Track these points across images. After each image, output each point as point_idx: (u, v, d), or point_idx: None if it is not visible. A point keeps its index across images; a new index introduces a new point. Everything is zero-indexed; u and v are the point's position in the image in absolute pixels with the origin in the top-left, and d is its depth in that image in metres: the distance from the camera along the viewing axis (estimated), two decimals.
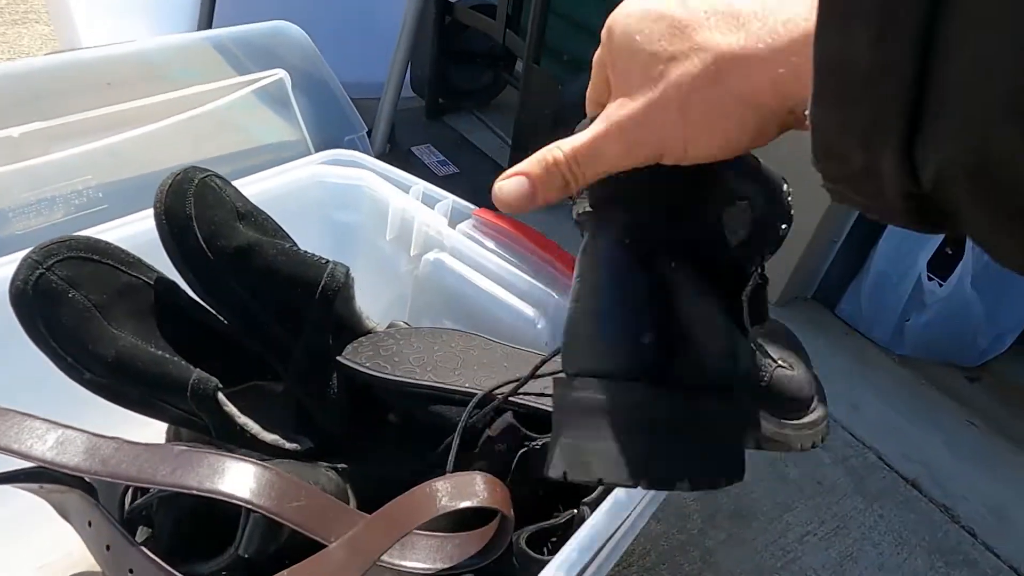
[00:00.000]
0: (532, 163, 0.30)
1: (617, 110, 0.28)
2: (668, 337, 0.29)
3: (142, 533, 0.48)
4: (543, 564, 0.39)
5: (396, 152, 1.16)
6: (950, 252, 1.29)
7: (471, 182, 1.59)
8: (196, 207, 0.48)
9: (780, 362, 0.44)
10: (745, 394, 0.30)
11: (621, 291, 0.30)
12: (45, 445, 0.40)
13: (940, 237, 1.25)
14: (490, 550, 0.45)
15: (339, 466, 0.54)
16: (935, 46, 0.18)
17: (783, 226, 0.30)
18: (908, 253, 1.30)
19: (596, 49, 0.30)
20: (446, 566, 0.45)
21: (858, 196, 0.22)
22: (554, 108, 1.42)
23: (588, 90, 0.32)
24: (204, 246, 0.48)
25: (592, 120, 0.29)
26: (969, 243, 1.23)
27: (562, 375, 0.32)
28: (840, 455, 1.11)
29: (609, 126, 0.28)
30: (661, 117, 0.26)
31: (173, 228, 0.47)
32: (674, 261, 0.29)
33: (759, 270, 0.31)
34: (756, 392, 0.41)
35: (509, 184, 0.30)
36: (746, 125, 0.26)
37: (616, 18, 0.28)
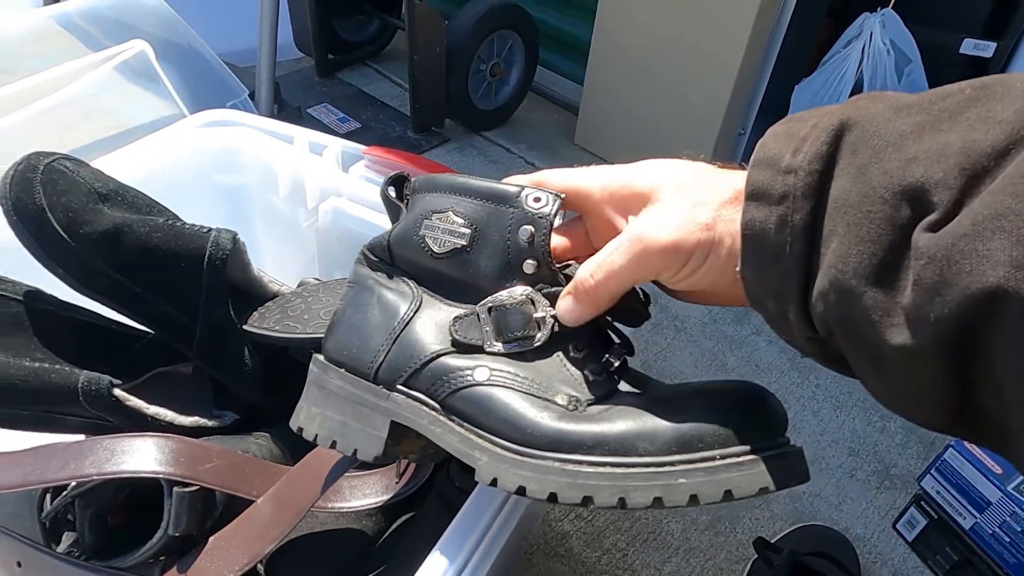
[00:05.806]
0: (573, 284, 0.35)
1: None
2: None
3: (68, 538, 0.46)
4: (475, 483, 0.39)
5: (287, 113, 1.10)
6: None
7: (375, 134, 1.53)
8: (47, 195, 0.44)
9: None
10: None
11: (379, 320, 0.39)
12: None
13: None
14: (420, 475, 0.45)
15: (270, 433, 0.53)
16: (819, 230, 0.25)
17: None
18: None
19: None
20: (383, 498, 0.44)
21: (781, 334, 0.30)
22: (444, 43, 1.38)
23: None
24: (65, 235, 0.44)
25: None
26: None
27: (320, 357, 0.41)
28: (772, 336, 1.16)
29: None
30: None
31: (26, 222, 0.44)
32: None
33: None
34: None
35: (563, 303, 0.35)
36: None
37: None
